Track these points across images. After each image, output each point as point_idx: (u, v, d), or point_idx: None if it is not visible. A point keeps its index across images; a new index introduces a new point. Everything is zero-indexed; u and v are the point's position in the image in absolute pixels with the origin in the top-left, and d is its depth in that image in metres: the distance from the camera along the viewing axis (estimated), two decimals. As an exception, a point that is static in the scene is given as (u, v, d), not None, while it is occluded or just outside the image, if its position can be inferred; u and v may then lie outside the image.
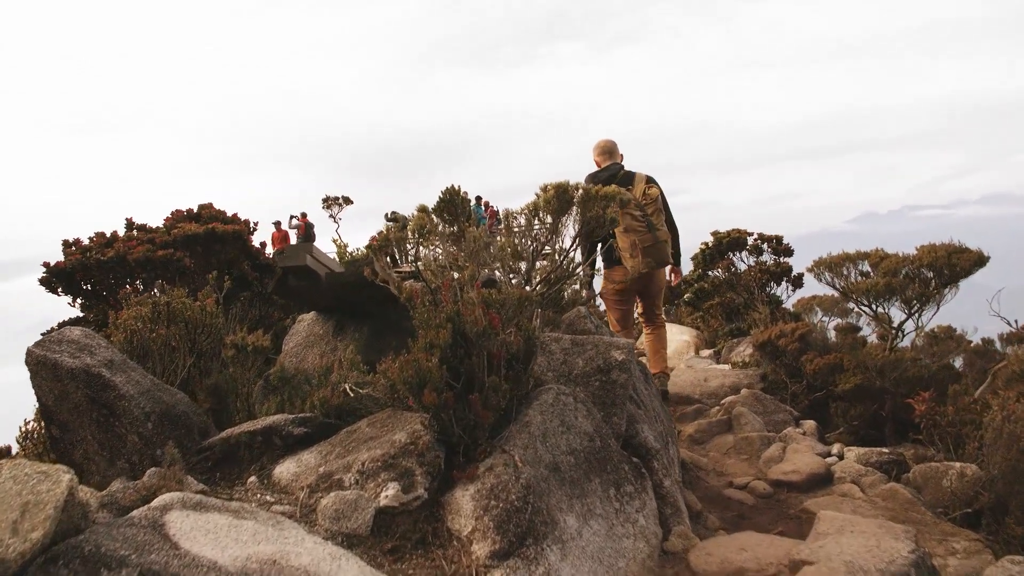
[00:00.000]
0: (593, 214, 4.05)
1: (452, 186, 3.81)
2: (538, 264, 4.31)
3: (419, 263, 3.78)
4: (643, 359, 6.17)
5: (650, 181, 5.75)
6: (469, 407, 2.80)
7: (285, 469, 3.07)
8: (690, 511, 4.40)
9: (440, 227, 3.89)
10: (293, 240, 26.11)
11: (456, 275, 3.83)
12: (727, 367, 8.61)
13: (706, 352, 10.36)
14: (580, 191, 3.92)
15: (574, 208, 4.05)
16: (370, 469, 2.77)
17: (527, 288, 4.17)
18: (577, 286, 4.87)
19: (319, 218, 27.31)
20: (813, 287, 10.91)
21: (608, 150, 5.95)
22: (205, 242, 6.56)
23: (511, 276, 4.23)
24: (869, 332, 9.72)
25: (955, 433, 5.29)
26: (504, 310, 3.38)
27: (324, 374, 3.55)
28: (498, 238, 4.56)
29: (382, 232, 4.93)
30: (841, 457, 5.60)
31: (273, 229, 25.81)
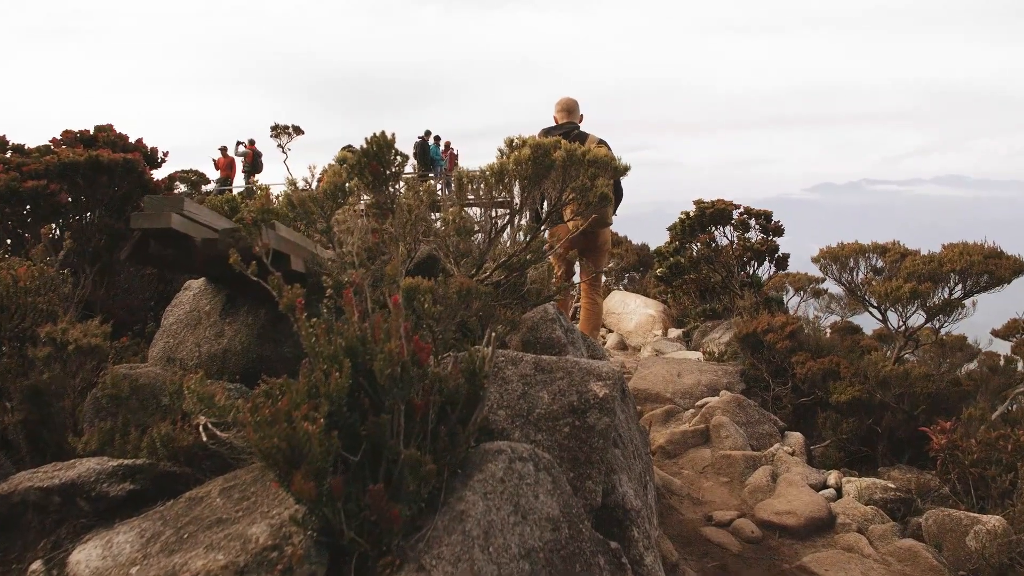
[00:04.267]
0: (578, 183, 2.98)
1: (381, 133, 2.67)
2: (497, 247, 3.22)
3: (332, 242, 2.67)
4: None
5: (602, 143, 5.63)
6: (370, 500, 1.74)
7: (86, 558, 1.98)
8: (665, 563, 3.49)
9: (361, 191, 2.77)
10: (239, 168, 24.36)
11: (381, 258, 2.73)
12: (700, 356, 7.68)
13: (674, 332, 9.41)
14: (563, 152, 2.84)
15: (552, 174, 2.96)
16: (204, 587, 1.71)
17: (479, 277, 3.10)
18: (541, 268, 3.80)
19: (267, 147, 25.43)
20: (796, 267, 10.03)
21: (568, 108, 5.95)
22: (87, 173, 5.28)
23: (459, 259, 3.14)
24: (851, 322, 8.94)
25: (978, 473, 4.45)
26: (441, 323, 2.31)
27: (176, 392, 2.45)
28: (448, 207, 3.46)
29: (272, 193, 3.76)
30: (839, 490, 4.76)
31: (219, 155, 24.00)
